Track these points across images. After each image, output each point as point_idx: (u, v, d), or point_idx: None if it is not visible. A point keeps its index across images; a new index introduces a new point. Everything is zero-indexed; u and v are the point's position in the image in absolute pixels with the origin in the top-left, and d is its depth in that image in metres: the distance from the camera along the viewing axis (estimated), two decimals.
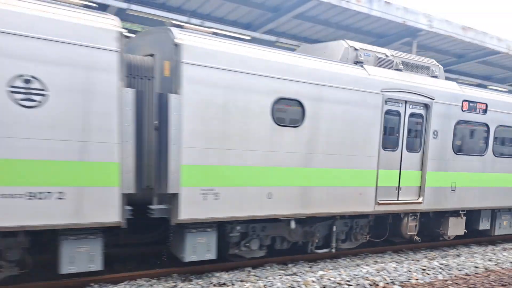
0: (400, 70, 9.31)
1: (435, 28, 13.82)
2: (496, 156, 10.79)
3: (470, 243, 11.51)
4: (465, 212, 10.59)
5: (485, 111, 10.38)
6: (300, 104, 7.67)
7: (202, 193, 6.81)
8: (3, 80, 5.23)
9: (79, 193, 5.84)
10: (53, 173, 5.62)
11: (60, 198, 5.70)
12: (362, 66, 8.68)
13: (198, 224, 7.07)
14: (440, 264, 9.22)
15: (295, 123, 7.70)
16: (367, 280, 7.85)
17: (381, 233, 9.81)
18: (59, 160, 5.67)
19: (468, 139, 10.36)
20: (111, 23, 5.95)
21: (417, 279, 8.30)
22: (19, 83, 5.34)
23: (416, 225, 9.83)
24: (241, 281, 7.34)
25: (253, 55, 7.15)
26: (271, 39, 14.21)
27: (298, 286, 7.19)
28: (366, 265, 8.77)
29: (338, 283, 7.56)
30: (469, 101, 10.04)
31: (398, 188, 9.26)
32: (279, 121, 7.48)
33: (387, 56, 9.27)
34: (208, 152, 6.79)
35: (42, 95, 5.49)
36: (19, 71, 5.31)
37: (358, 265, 8.74)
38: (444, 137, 9.69)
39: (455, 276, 8.78)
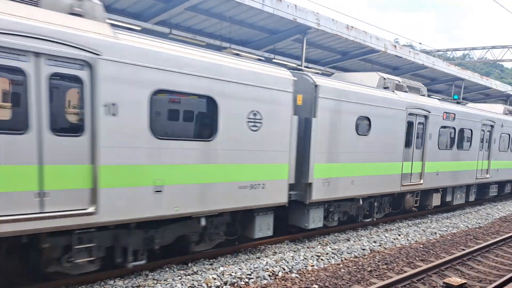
0: (407, 92, 13.12)
1: (323, 26, 14.58)
2: (458, 150, 15.36)
3: (358, 227, 12.41)
4: (441, 189, 15.18)
5: (454, 118, 14.86)
6: (368, 119, 11.27)
7: (322, 182, 10.20)
8: (245, 114, 8.19)
9: (270, 184, 8.87)
10: (261, 172, 8.64)
11: (263, 188, 8.72)
12: (394, 91, 12.48)
13: (317, 203, 10.37)
14: (333, 249, 9.76)
15: (365, 133, 11.26)
16: (267, 271, 7.97)
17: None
18: (265, 164, 8.72)
19: (445, 139, 14.66)
20: (289, 74, 9.10)
21: (313, 266, 8.67)
22: (251, 115, 8.30)
23: (417, 199, 14.05)
24: (138, 286, 6.92)
25: (350, 88, 10.69)
26: (164, 30, 13.68)
27: (199, 285, 7.01)
28: (266, 256, 8.93)
29: (239, 277, 7.55)
30: (446, 112, 14.43)
31: (411, 174, 13.22)
32: (358, 132, 10.97)
33: (399, 82, 13.00)
34: (325, 155, 10.18)
35: (260, 122, 8.51)
36: (252, 108, 8.29)
37: (258, 258, 8.85)
38: (434, 138, 13.96)
39: (346, 259, 9.38)
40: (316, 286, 7.58)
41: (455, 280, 8.43)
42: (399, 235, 11.82)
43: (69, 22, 5.98)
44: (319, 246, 10.00)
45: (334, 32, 15.00)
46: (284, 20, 13.94)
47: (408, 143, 12.82)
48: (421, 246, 11.04)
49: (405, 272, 8.85)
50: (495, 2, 14.21)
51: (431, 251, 10.68)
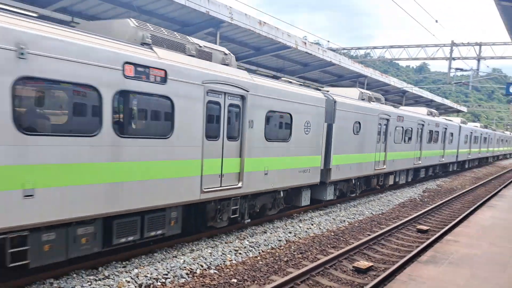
0: (375, 101, 17.83)
1: (236, 20, 14.53)
2: (404, 143, 20.48)
3: (274, 219, 12.65)
4: (394, 172, 20.47)
5: (403, 120, 19.89)
6: (359, 123, 15.72)
7: (336, 167, 14.35)
8: (303, 123, 12.26)
9: (312, 169, 12.98)
10: (308, 161, 12.73)
11: (309, 172, 12.84)
12: (370, 102, 17.19)
13: (331, 182, 14.66)
14: (250, 242, 9.81)
15: (357, 133, 15.65)
16: (184, 270, 7.75)
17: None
18: (310, 156, 12.87)
19: (397, 135, 19.61)
20: (322, 95, 13.39)
21: (231, 260, 8.63)
22: (305, 124, 12.42)
23: (381, 179, 19.25)
24: None
25: (352, 102, 15.22)
26: (65, 18, 12.60)
27: None
28: (183, 255, 8.67)
29: (155, 278, 7.24)
30: (399, 116, 19.44)
31: (379, 162, 17.92)
32: (354, 132, 15.35)
33: (370, 94, 17.46)
34: (337, 148, 14.35)
35: (309, 128, 12.63)
36: (306, 119, 12.43)
37: (175, 257, 8.56)
38: (392, 135, 18.79)
39: (263, 251, 9.49)
40: (235, 280, 7.55)
41: (363, 263, 8.97)
42: (312, 224, 12.28)
43: (231, 71, 9.71)
44: (237, 241, 9.99)
45: (247, 27, 15.03)
46: (197, 13, 13.63)
47: (378, 140, 17.65)
48: (332, 234, 11.59)
49: (319, 259, 9.21)
50: (395, 4, 15.43)
51: (341, 238, 11.26)
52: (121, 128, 7.20)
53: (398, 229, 12.64)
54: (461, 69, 25.41)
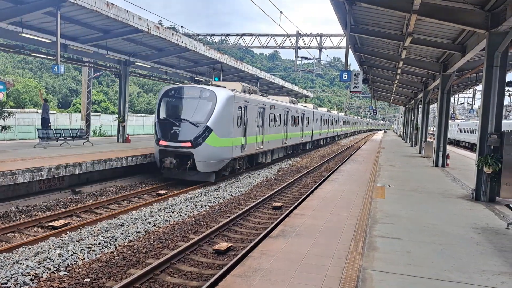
0: (294, 103, 35.37)
1: (79, 0, 13.37)
2: (323, 125, 44.02)
3: (131, 210, 12.19)
4: (307, 142, 40.41)
5: (321, 115, 42.13)
6: (317, 117, 40.69)
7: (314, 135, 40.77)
8: (308, 118, 34.79)
9: (309, 136, 37.89)
10: (309, 133, 36.38)
11: (309, 137, 37.15)
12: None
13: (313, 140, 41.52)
14: (105, 238, 9.31)
15: (316, 121, 38.67)
16: (28, 276, 7.00)
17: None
18: (309, 131, 35.78)
19: (317, 122, 40.46)
20: (311, 107, 38.15)
21: (83, 259, 8.09)
22: (305, 119, 33.62)
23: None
24: None
25: (317, 110, 42.90)
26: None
27: None
28: (26, 259, 7.79)
29: None
30: (321, 113, 41.87)
31: (320, 133, 42.25)
32: (315, 121, 38.16)
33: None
34: (318, 128, 42.00)
35: (308, 120, 34.73)
36: (308, 116, 34.65)
37: (16, 262, 7.62)
38: (317, 121, 40.54)
39: (120, 246, 9.10)
40: (88, 279, 7.10)
41: (223, 245, 9.29)
42: (173, 212, 12.21)
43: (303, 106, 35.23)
44: (90, 237, 9.36)
45: (94, 8, 13.97)
46: None
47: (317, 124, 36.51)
48: (193, 219, 11.70)
49: (179, 246, 9.23)
50: None
51: (202, 222, 11.45)
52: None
53: (255, 208, 13.39)
54: (306, 58, 27.84)
